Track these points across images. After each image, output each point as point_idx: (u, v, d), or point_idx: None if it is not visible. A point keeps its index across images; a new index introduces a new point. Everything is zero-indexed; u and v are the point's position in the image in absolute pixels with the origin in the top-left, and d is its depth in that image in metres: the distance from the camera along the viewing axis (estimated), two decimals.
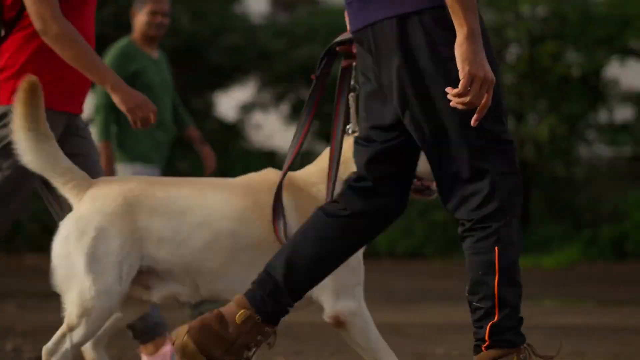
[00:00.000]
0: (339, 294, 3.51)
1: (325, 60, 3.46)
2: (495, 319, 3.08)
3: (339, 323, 3.52)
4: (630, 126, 17.29)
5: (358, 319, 3.52)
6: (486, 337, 3.10)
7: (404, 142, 3.25)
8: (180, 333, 3.25)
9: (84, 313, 3.42)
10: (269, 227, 3.50)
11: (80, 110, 4.11)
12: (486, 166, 3.08)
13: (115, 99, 3.91)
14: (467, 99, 2.97)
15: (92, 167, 3.96)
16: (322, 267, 3.29)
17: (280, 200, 3.49)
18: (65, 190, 3.54)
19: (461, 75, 2.97)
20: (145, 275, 3.53)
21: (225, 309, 3.26)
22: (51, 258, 3.47)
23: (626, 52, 18.16)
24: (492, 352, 3.10)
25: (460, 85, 2.97)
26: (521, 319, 3.14)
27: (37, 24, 3.89)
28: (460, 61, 2.98)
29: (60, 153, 3.55)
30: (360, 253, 3.51)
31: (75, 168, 3.56)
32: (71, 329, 3.43)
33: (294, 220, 3.51)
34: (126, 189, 3.52)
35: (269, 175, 3.64)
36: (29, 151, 3.50)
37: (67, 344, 3.44)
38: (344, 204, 3.28)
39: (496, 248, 3.08)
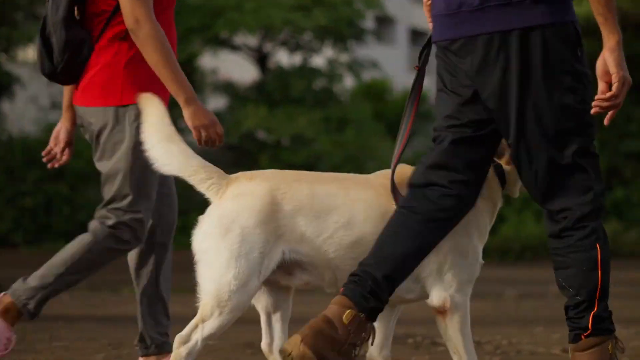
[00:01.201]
0: (450, 285, 3.57)
1: (426, 52, 3.67)
2: (595, 309, 3.40)
3: (442, 311, 3.57)
4: (221, 115, 17.53)
5: (461, 313, 3.58)
6: (589, 326, 3.40)
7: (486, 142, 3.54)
8: (294, 342, 3.34)
9: (220, 306, 3.47)
10: None
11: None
12: (585, 172, 3.41)
13: (185, 114, 3.92)
14: (618, 100, 3.33)
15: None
16: (414, 261, 3.48)
17: (396, 194, 3.56)
18: (204, 188, 3.57)
19: (616, 79, 3.30)
20: (288, 264, 3.57)
21: (330, 312, 3.37)
22: (193, 249, 3.53)
23: (218, 43, 18.49)
24: (593, 340, 3.41)
25: (615, 88, 3.30)
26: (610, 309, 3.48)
27: (129, 23, 3.92)
28: (614, 65, 3.30)
29: (191, 152, 3.60)
30: (480, 251, 3.63)
31: (209, 165, 3.60)
32: (204, 320, 3.47)
33: None
34: (272, 186, 3.54)
35: (404, 171, 3.64)
36: (161, 155, 3.58)
37: (198, 335, 3.47)
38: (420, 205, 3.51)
39: (597, 245, 3.40)
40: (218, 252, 3.49)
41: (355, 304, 3.39)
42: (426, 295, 3.61)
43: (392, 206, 3.56)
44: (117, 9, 4.01)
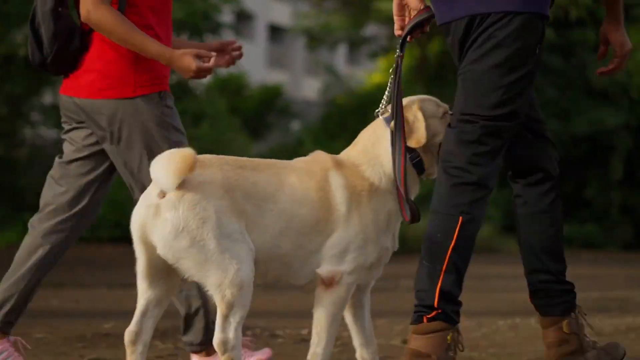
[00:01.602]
0: (347, 264, 3.62)
1: (406, 42, 3.88)
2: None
3: (328, 283, 3.61)
4: None
5: (343, 292, 3.61)
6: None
7: None
8: None
9: (238, 287, 3.41)
10: (323, 208, 3.61)
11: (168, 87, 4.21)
12: None
13: (175, 68, 4.03)
14: (622, 66, 4.11)
15: None
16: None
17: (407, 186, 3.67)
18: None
19: (623, 52, 4.08)
20: None
21: (416, 343, 3.74)
22: (162, 245, 3.41)
23: None
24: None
25: (622, 59, 4.09)
26: None
27: (83, 16, 4.02)
28: (624, 40, 4.08)
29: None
30: (386, 239, 3.69)
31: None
32: (230, 309, 3.42)
33: (346, 197, 3.65)
34: (226, 174, 3.52)
35: (319, 156, 3.77)
36: None
37: (233, 326, 3.43)
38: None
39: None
40: (206, 242, 3.42)
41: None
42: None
43: (314, 192, 3.62)
44: None
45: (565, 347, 3.93)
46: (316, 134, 21.38)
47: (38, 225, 4.21)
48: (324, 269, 3.62)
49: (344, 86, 23.28)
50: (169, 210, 3.44)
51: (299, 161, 3.76)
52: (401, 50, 3.89)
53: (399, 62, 3.86)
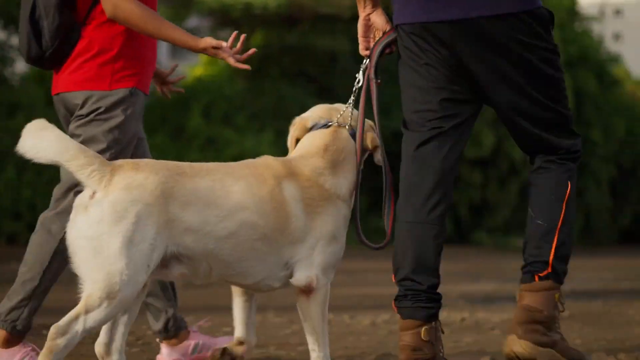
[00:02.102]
0: (318, 266, 3.77)
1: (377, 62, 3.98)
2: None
3: (307, 290, 3.78)
4: None
5: (323, 293, 3.79)
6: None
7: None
8: (512, 340, 3.78)
9: (109, 296, 3.38)
10: (278, 218, 3.72)
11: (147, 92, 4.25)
12: None
13: (208, 44, 4.09)
14: None
15: (144, 153, 4.28)
16: None
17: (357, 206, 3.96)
18: (84, 175, 3.46)
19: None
20: (167, 257, 3.57)
21: (528, 300, 3.87)
22: (71, 239, 3.43)
23: None
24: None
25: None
26: None
27: (108, 11, 4.04)
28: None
29: (68, 137, 3.48)
30: (344, 237, 3.88)
31: (88, 150, 3.52)
32: (88, 311, 3.37)
33: (300, 211, 3.77)
34: (160, 179, 3.53)
35: (269, 162, 3.82)
36: (35, 143, 3.41)
37: (80, 326, 3.36)
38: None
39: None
40: (109, 239, 3.42)
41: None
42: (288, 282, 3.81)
43: (262, 194, 3.71)
44: None
45: (419, 353, 3.89)
46: None
47: (50, 223, 4.17)
48: (299, 279, 3.77)
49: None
50: (93, 206, 3.45)
51: (248, 166, 3.80)
52: (376, 77, 3.99)
53: (373, 86, 3.99)
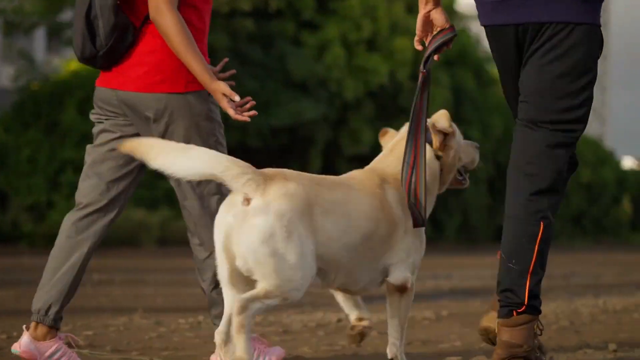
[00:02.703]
0: (411, 267, 4.00)
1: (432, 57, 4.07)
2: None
3: (403, 289, 4.00)
4: None
5: (413, 292, 4.06)
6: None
7: None
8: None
9: (282, 296, 3.61)
10: (388, 225, 3.91)
11: None
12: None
13: (211, 92, 4.13)
14: None
15: None
16: None
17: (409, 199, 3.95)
18: (239, 184, 3.59)
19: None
20: None
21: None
22: (241, 246, 3.56)
23: None
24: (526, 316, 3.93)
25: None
26: None
27: (151, 12, 4.13)
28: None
29: (214, 151, 3.70)
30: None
31: (238, 160, 3.65)
32: (267, 298, 3.58)
33: (401, 213, 3.96)
34: (306, 189, 3.69)
35: (364, 173, 4.05)
36: (187, 163, 3.62)
37: (257, 306, 3.58)
38: None
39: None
40: (286, 251, 3.58)
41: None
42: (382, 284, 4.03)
43: (376, 203, 3.89)
44: None
45: (517, 350, 3.97)
46: (8, 123, 20.37)
47: (74, 222, 4.33)
48: (397, 278, 3.98)
49: (40, 73, 22.29)
50: (257, 215, 3.58)
51: (355, 178, 4.01)
52: (424, 67, 4.05)
53: (424, 79, 4.04)
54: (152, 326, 6.16)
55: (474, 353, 4.97)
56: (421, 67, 4.05)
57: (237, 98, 4.07)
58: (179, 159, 3.63)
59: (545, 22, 3.89)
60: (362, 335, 4.16)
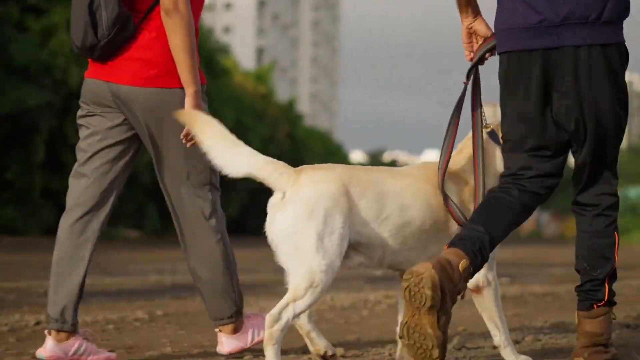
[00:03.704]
0: (487, 265, 4.15)
1: (476, 68, 4.32)
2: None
3: (478, 289, 4.23)
4: None
5: (492, 287, 4.24)
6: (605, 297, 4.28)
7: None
8: (426, 266, 3.77)
9: (312, 285, 3.82)
10: (441, 212, 4.12)
11: None
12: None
13: (189, 103, 4.26)
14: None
15: None
16: (507, 232, 4.13)
17: (444, 190, 4.14)
18: (274, 178, 3.88)
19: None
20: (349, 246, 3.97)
21: (449, 258, 3.86)
22: (273, 235, 3.85)
23: None
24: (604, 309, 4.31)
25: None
26: None
27: (166, 3, 4.23)
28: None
29: (254, 150, 3.93)
30: None
31: (274, 159, 3.94)
32: (296, 299, 3.82)
33: (458, 203, 4.16)
34: (339, 173, 3.96)
35: (426, 163, 4.27)
36: (232, 159, 3.89)
37: (289, 313, 3.81)
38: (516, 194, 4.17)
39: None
40: (305, 234, 3.82)
41: (469, 257, 3.89)
42: None
43: (429, 194, 4.09)
44: None
45: (600, 338, 4.32)
46: None
47: (71, 225, 4.48)
48: (481, 275, 4.20)
49: None
50: (287, 203, 3.86)
51: (411, 168, 4.23)
52: (467, 77, 4.27)
53: (474, 87, 4.28)
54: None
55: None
56: (464, 79, 4.27)
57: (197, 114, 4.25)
58: (226, 153, 3.89)
59: (590, 44, 4.09)
60: None
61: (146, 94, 4.35)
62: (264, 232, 3.89)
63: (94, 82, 4.43)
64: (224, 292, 4.56)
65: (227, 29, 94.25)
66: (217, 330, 4.63)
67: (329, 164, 4.04)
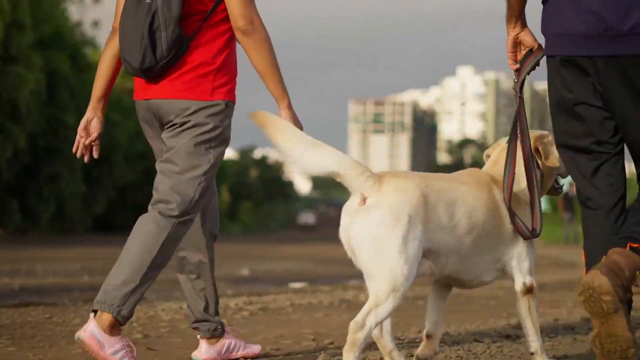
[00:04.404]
0: (529, 270, 4.40)
1: (524, 80, 4.48)
2: None
3: (529, 291, 4.38)
4: None
5: (536, 292, 4.44)
6: None
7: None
8: (594, 275, 4.02)
9: (394, 290, 3.89)
10: (496, 219, 4.29)
11: None
12: None
13: (285, 115, 4.44)
14: None
15: None
16: None
17: (510, 207, 4.34)
18: (360, 181, 3.95)
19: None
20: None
21: (614, 259, 4.08)
22: (353, 239, 3.92)
23: None
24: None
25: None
26: None
27: (242, 24, 4.39)
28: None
29: (339, 151, 3.97)
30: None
31: (358, 161, 4.02)
32: (378, 304, 3.88)
33: (505, 211, 4.35)
34: (417, 181, 4.07)
35: (478, 171, 4.49)
36: (316, 158, 3.92)
37: (372, 319, 3.88)
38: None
39: None
40: (390, 239, 3.89)
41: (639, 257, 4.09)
42: (497, 278, 4.39)
43: (486, 200, 4.26)
44: (214, 8, 4.41)
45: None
46: None
47: (157, 216, 4.44)
48: (527, 281, 4.37)
49: None
50: (372, 209, 3.93)
51: (463, 175, 4.39)
52: (521, 91, 4.44)
53: (520, 102, 4.43)
54: None
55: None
56: (517, 91, 4.44)
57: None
58: (308, 152, 3.90)
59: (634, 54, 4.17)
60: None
61: (180, 106, 4.43)
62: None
63: (142, 103, 4.52)
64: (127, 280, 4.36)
65: (96, 23, 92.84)
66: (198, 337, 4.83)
67: (405, 172, 4.15)
